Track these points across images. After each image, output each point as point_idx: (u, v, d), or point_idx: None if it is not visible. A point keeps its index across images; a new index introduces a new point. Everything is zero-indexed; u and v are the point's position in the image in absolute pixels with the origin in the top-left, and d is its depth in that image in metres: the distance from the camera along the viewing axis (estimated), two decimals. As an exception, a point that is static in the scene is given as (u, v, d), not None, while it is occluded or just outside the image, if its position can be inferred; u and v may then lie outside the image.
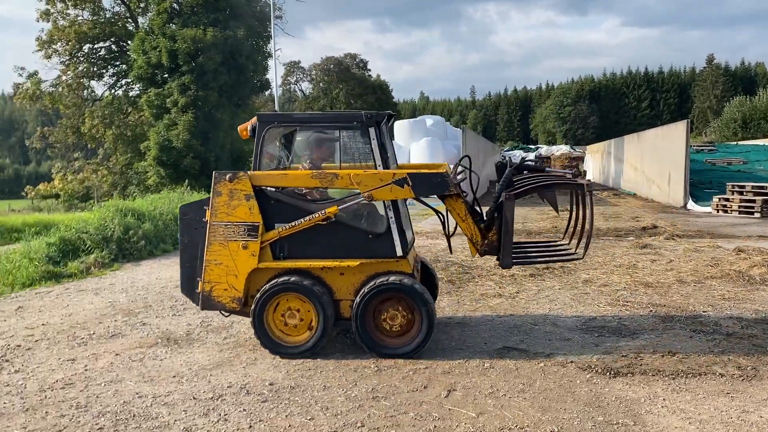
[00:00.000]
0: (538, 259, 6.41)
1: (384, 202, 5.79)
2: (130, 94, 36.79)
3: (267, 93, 43.29)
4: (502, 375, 5.31)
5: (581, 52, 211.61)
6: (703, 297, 7.68)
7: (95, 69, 36.05)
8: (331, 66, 52.01)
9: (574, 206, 6.17)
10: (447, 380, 5.23)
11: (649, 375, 5.21)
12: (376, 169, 5.79)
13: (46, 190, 37.85)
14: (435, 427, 4.39)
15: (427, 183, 5.71)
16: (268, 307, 5.82)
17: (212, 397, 4.98)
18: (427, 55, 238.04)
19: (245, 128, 6.27)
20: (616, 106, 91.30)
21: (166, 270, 10.75)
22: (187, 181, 23.80)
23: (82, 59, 35.52)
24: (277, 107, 28.90)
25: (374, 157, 5.82)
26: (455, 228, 6.22)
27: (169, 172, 30.10)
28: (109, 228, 12.05)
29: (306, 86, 57.26)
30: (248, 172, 5.85)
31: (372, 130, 5.82)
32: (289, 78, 55.73)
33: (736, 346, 5.87)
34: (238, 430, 4.42)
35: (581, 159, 38.73)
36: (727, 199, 17.37)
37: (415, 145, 27.65)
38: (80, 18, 34.97)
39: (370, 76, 56.24)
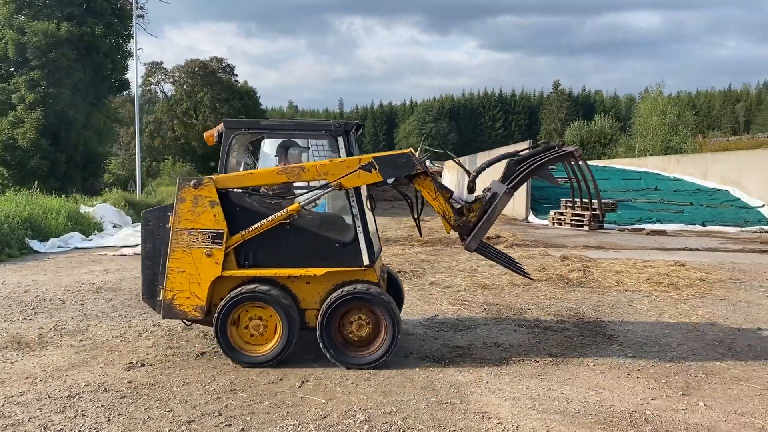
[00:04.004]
0: (497, 260, 6.49)
1: (352, 211, 5.84)
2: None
3: (126, 93, 41.38)
4: (351, 366, 5.87)
5: (443, 72, 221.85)
6: (529, 297, 8.78)
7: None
8: (196, 69, 50.62)
9: (572, 176, 6.42)
10: (301, 372, 5.69)
11: (477, 362, 6.01)
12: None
13: None
14: (287, 413, 4.83)
15: (393, 165, 5.74)
16: (231, 315, 5.73)
17: (69, 396, 5.08)
18: (294, 63, 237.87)
19: (212, 134, 6.23)
20: (473, 124, 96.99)
21: (13, 275, 10.27)
22: (36, 183, 22.28)
23: None
24: (137, 108, 27.84)
25: None
26: (421, 211, 6.27)
27: (13, 173, 28.00)
28: (-53, 231, 11.24)
29: (168, 88, 55.29)
30: (213, 176, 5.78)
31: (341, 140, 5.90)
32: (150, 78, 53.49)
33: (551, 338, 6.87)
34: (96, 423, 4.58)
35: (439, 173, 40.87)
36: (562, 213, 19.39)
37: (281, 154, 27.81)
38: None
39: (237, 81, 55.39)
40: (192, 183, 5.71)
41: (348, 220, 5.94)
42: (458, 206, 6.07)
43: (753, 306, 8.61)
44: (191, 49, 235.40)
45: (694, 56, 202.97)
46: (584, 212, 18.47)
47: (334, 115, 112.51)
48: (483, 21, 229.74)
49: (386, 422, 4.68)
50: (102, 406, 4.89)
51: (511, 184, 5.97)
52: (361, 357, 5.79)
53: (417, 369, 5.79)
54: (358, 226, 5.81)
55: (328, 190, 5.75)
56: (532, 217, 20.57)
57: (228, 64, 54.80)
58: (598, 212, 6.61)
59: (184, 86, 51.93)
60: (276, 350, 5.77)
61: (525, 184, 18.78)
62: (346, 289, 5.73)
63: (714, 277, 10.56)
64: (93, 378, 5.48)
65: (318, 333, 5.74)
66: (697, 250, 14.59)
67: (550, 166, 6.28)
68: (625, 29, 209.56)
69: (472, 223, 5.96)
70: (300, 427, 4.59)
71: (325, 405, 4.98)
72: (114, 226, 16.62)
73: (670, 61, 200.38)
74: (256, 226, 5.71)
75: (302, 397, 5.13)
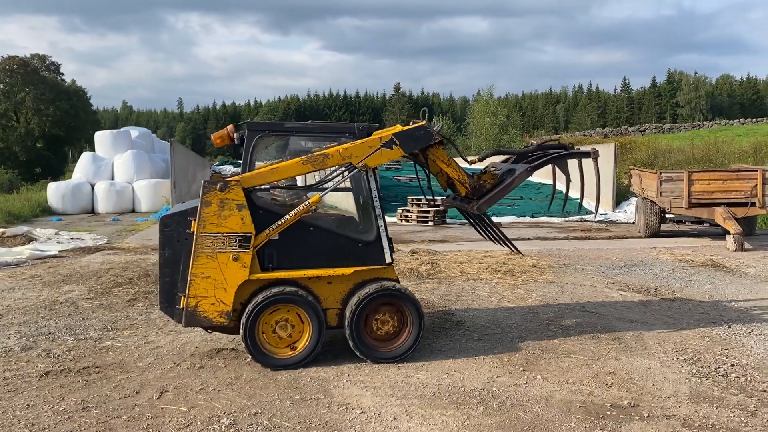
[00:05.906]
0: (497, 232, 7.07)
1: (374, 210, 5.99)
2: None
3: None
4: (212, 372, 5.79)
5: (286, 72, 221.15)
6: (384, 292, 9.14)
7: None
8: (15, 67, 46.03)
9: (580, 174, 7.08)
10: (159, 384, 5.53)
11: (338, 358, 6.18)
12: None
13: None
14: (148, 425, 4.69)
15: (412, 138, 6.02)
16: (259, 319, 5.73)
17: None
18: (126, 61, 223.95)
19: (221, 136, 6.06)
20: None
21: None
22: None
23: None
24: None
25: None
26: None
27: None
28: None
29: (-18, 87, 49.73)
30: (239, 177, 5.71)
31: None
32: (-43, 77, 47.76)
33: (405, 328, 7.24)
34: (-74, 460, 4.17)
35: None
36: (409, 211, 20.25)
37: (119, 157, 26.30)
38: None
39: (63, 80, 51.26)
40: (218, 186, 5.63)
41: (370, 219, 6.10)
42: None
43: (578, 287, 9.67)
44: (7, 45, 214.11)
45: (520, 60, 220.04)
46: (430, 209, 19.45)
47: (173, 115, 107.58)
48: (324, 22, 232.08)
49: (252, 423, 4.72)
50: (-69, 440, 4.44)
51: (532, 165, 6.56)
52: (389, 351, 6.02)
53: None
54: (381, 225, 6.00)
55: (353, 172, 5.91)
56: (381, 215, 21.30)
57: (52, 62, 50.77)
58: (595, 211, 8.24)
59: (2, 86, 47.12)
60: (306, 351, 5.87)
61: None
62: (373, 286, 5.90)
63: (544, 263, 11.67)
64: None
65: (348, 332, 5.90)
66: (528, 239, 15.97)
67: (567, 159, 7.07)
68: (458, 34, 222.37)
69: (485, 188, 6.43)
70: (163, 438, 4.49)
71: (188, 413, 4.91)
72: None
73: (499, 64, 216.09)
74: (280, 222, 5.74)
75: (162, 408, 5.00)
